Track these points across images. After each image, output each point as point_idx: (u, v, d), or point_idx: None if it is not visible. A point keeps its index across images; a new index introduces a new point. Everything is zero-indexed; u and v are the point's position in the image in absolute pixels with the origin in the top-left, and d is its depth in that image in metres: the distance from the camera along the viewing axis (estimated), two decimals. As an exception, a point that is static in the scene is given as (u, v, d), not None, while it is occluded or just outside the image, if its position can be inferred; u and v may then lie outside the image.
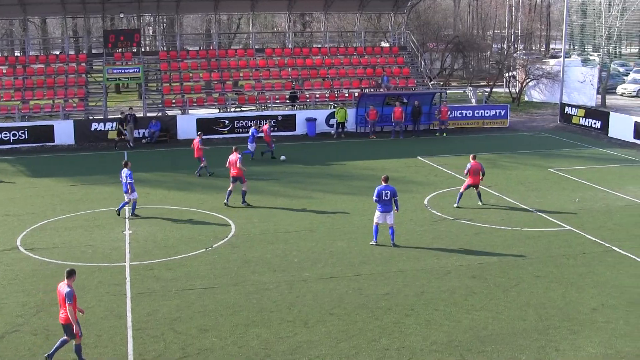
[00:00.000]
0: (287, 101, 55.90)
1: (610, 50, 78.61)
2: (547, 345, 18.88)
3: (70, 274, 17.51)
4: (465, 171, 32.16)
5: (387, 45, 68.26)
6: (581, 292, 22.63)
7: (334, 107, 53.36)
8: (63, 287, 17.37)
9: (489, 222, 30.07)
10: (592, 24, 77.45)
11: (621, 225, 29.83)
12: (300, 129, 51.75)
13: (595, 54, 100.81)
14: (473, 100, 64.66)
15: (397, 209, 27.18)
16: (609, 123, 53.70)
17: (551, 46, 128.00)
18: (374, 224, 27.13)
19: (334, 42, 75.31)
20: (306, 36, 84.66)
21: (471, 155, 32.83)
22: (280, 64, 58.60)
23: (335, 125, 51.45)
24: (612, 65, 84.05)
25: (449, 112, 53.66)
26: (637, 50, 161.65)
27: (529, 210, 32.02)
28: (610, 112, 55.79)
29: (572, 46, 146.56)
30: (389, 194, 26.72)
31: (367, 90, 56.93)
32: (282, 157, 42.52)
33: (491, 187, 36.00)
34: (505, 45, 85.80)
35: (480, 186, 32.79)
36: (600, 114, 56.40)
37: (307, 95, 56.36)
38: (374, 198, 26.85)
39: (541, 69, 73.98)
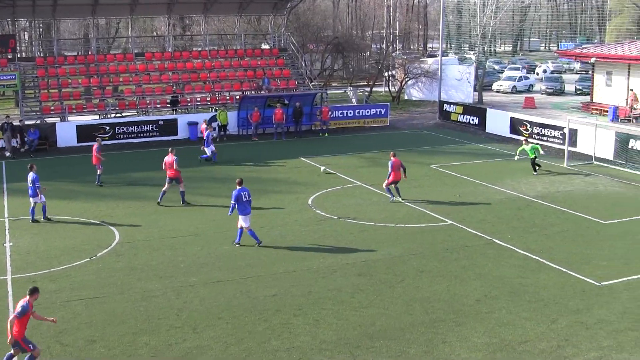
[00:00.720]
0: (168, 105, 55.44)
1: (486, 48, 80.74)
2: (434, 338, 19.35)
3: (33, 292, 17.58)
4: (389, 170, 33.33)
5: (267, 47, 68.41)
6: (465, 285, 23.26)
7: (216, 110, 53.20)
8: (21, 302, 17.40)
9: (372, 219, 30.54)
10: (468, 24, 79.61)
11: (501, 218, 30.76)
12: (182, 133, 51.39)
13: (471, 52, 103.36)
14: (354, 100, 65.41)
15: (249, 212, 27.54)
16: (486, 119, 55.24)
17: (429, 45, 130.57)
18: (239, 227, 27.40)
19: (214, 45, 74.93)
20: (186, 39, 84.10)
21: (391, 153, 34.10)
22: (160, 68, 58.03)
23: (217, 128, 51.29)
24: (487, 63, 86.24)
25: (330, 113, 54.11)
26: (510, 48, 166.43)
27: (412, 206, 32.66)
28: (487, 109, 57.34)
29: (449, 45, 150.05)
30: (247, 195, 27.10)
31: (249, 92, 56.99)
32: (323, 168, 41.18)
33: (374, 185, 36.57)
34: (384, 45, 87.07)
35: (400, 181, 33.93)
36: (477, 110, 57.90)
37: (188, 99, 56.01)
38: (232, 202, 27.16)
39: (419, 67, 75.40)
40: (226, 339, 19.41)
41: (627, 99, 59.65)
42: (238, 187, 27.24)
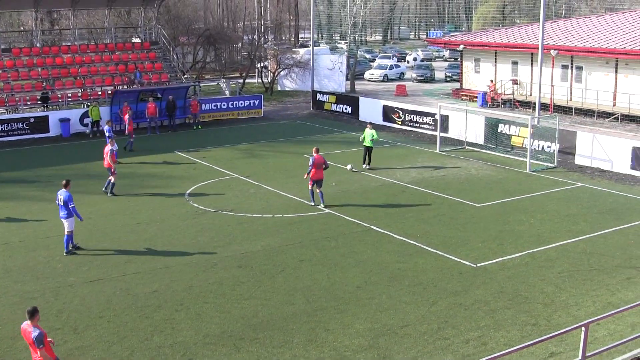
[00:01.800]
0: (39, 102, 53.97)
1: (356, 37, 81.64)
2: (317, 327, 19.50)
3: (33, 313, 15.35)
4: (309, 167, 30.83)
5: (138, 40, 67.38)
6: (345, 272, 23.52)
7: (88, 106, 52.12)
8: (28, 328, 15.25)
9: (250, 211, 30.54)
10: (339, 14, 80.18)
11: (377, 205, 31.21)
12: (54, 130, 50.16)
13: (343, 42, 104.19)
14: (227, 92, 65.21)
15: (80, 218, 26.03)
16: (359, 107, 55.92)
17: (300, 36, 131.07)
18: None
19: (84, 40, 73.20)
20: (55, 34, 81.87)
21: (314, 149, 31.60)
22: (29, 64, 56.35)
23: (90, 124, 50.28)
24: (359, 52, 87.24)
25: (199, 105, 53.79)
26: (381, 37, 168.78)
27: (289, 196, 32.80)
28: (360, 97, 58.05)
29: (320, 35, 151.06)
30: (62, 198, 25.76)
31: (121, 87, 56.06)
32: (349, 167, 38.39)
33: (250, 177, 36.57)
34: (255, 37, 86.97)
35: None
36: (350, 99, 58.54)
37: (60, 95, 54.68)
38: (72, 204, 25.77)
39: (292, 58, 75.73)
40: (108, 337, 19.09)
41: (488, 91, 61.53)
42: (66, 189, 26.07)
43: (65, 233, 25.80)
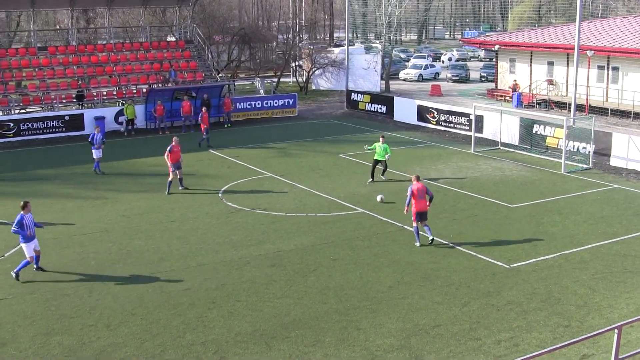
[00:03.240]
0: (74, 100, 54.37)
1: (391, 37, 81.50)
2: (349, 326, 19.49)
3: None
4: (408, 197, 26.04)
5: (173, 39, 67.78)
6: (377, 272, 23.49)
7: (123, 104, 52.49)
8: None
9: (283, 210, 30.60)
10: (373, 13, 80.00)
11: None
12: (89, 128, 50.47)
13: (377, 41, 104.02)
14: (261, 91, 65.32)
15: (25, 233, 23.30)
16: (394, 107, 55.84)
17: (335, 35, 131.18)
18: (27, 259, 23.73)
19: (119, 38, 73.81)
20: (90, 32, 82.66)
21: (414, 177, 26.66)
22: (64, 62, 56.83)
23: (124, 123, 50.61)
24: (393, 52, 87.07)
25: (233, 104, 53.94)
26: (416, 37, 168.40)
27: (322, 196, 32.82)
28: (394, 97, 57.94)
29: (355, 34, 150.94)
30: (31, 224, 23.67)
31: (155, 85, 56.40)
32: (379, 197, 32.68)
33: (284, 176, 36.63)
34: (290, 36, 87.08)
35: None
36: (384, 99, 58.45)
37: (94, 93, 55.12)
38: (14, 228, 23.33)
39: (326, 57, 75.70)
40: (141, 334, 19.21)
41: (512, 86, 61.36)
42: (22, 212, 23.47)
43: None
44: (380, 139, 35.65)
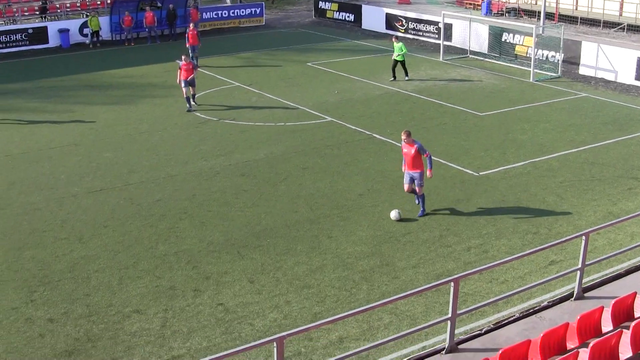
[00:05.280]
0: (37, 13, 53.28)
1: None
2: (320, 234, 19.65)
3: None
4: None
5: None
6: (347, 180, 23.61)
7: (87, 16, 51.52)
8: None
9: (252, 119, 30.49)
10: None
11: (380, 113, 31.15)
12: (53, 41, 49.61)
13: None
14: (227, 0, 64.35)
15: None
16: (362, 15, 55.28)
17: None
18: None
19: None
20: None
21: (403, 133, 20.50)
22: (25, -27, 55.55)
23: (89, 35, 49.77)
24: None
25: (199, 14, 53.04)
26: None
27: (291, 105, 32.71)
28: (363, 5, 57.25)
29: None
30: None
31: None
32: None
33: (252, 85, 36.41)
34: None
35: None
36: (353, 7, 57.74)
37: (58, 5, 54.00)
38: None
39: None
40: (113, 246, 19.27)
41: None
42: None
43: None
44: (394, 40, 36.92)
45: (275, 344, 10.32)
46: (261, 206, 21.67)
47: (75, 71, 41.40)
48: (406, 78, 37.19)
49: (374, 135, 28.15)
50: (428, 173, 20.39)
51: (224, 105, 32.93)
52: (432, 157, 20.78)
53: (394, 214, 19.97)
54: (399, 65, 37.10)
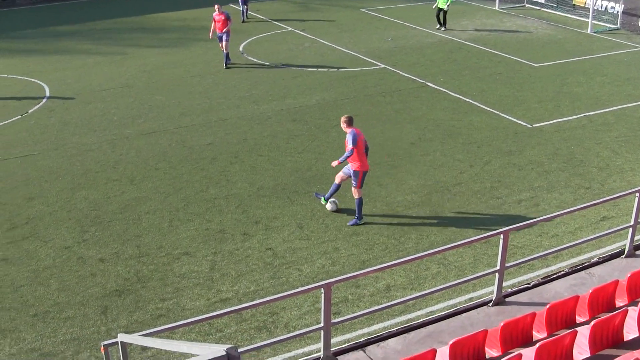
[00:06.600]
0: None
1: None
2: (370, 182, 19.53)
3: None
4: (350, 148, 17.04)
5: None
6: (399, 128, 23.46)
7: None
8: None
9: (305, 65, 30.37)
10: None
11: (433, 61, 30.83)
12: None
13: None
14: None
15: None
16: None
17: None
18: None
19: None
20: None
21: (343, 119, 17.42)
22: None
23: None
24: None
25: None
26: None
27: (344, 50, 32.50)
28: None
29: None
30: None
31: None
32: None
33: (305, 31, 36.21)
34: None
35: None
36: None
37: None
38: None
39: None
40: (164, 189, 19.42)
41: None
42: None
43: None
44: None
45: (322, 290, 10.38)
46: (312, 152, 21.66)
47: (128, 14, 41.52)
48: (443, 28, 36.67)
49: (427, 83, 27.90)
50: (334, 162, 17.36)
51: (276, 50, 32.81)
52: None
53: (329, 206, 18.94)
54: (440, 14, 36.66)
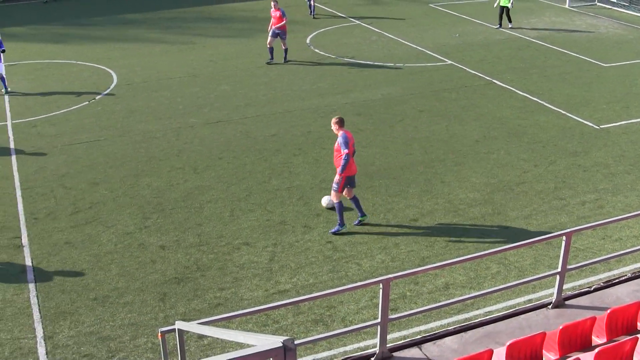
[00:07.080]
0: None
1: None
2: (433, 178, 19.49)
3: None
4: (345, 154, 16.24)
5: None
6: (464, 125, 23.30)
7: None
8: None
9: (371, 59, 30.32)
10: None
11: (500, 59, 30.53)
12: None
13: None
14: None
15: None
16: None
17: None
18: None
19: None
20: None
21: (334, 120, 16.51)
22: None
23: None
24: None
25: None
26: None
27: (410, 45, 32.37)
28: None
29: None
30: None
31: None
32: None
33: (372, 24, 36.15)
34: None
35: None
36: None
37: None
38: None
39: None
40: (227, 178, 19.57)
41: None
42: None
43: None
44: None
45: (381, 286, 10.35)
46: (376, 147, 21.62)
47: (197, 3, 41.88)
48: (509, 25, 36.10)
49: (494, 81, 27.64)
50: (337, 176, 16.50)
51: (343, 43, 32.81)
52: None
53: (324, 201, 18.52)
54: (505, 12, 35.95)
